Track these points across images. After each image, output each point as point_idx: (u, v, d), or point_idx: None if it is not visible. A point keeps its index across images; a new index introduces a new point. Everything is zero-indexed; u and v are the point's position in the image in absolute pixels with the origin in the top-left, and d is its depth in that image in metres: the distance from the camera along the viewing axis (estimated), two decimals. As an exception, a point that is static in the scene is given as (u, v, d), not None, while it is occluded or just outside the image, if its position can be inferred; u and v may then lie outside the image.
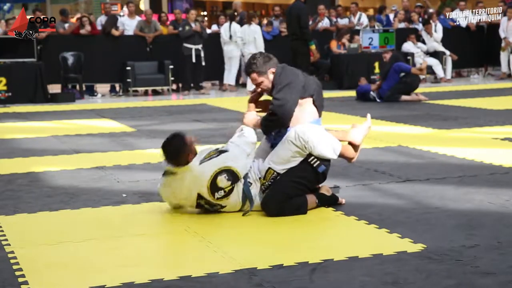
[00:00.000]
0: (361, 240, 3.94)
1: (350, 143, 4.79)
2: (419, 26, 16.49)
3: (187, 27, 14.41)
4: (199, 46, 14.48)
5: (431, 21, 15.93)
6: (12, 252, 3.83)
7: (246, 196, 4.44)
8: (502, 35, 15.75)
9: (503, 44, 15.77)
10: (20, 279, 3.38)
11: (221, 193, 4.37)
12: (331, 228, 4.30)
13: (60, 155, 7.11)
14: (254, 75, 4.60)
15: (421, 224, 4.17)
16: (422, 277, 3.24)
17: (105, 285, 3.26)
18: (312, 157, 4.42)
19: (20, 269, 3.53)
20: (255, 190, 4.47)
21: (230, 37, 14.74)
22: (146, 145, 7.54)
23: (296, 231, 4.20)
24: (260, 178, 4.47)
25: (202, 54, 14.54)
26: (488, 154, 6.32)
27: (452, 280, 3.20)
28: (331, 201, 4.67)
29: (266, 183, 4.45)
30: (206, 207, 4.45)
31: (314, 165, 4.44)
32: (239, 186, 4.43)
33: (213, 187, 4.35)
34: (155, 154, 6.88)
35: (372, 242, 3.85)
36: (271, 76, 4.59)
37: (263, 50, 12.82)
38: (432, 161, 6.16)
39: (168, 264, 3.62)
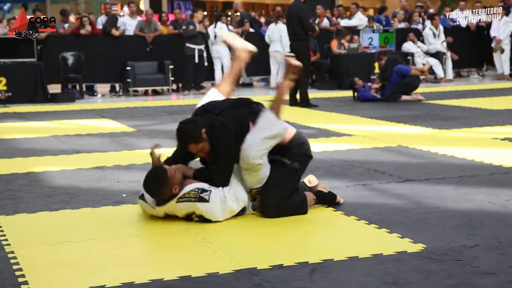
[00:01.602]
0: (361, 240, 3.94)
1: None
2: (419, 26, 16.49)
3: (191, 27, 14.38)
4: (202, 47, 14.47)
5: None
6: (12, 252, 3.83)
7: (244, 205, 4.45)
8: (492, 34, 15.76)
9: (493, 44, 15.78)
10: (20, 279, 3.38)
11: (196, 219, 4.34)
12: (331, 228, 4.30)
13: (60, 155, 7.11)
14: (192, 145, 4.37)
15: (421, 224, 4.17)
16: (422, 277, 3.24)
17: (105, 285, 3.26)
18: (284, 158, 4.40)
19: (20, 269, 3.53)
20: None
21: (215, 37, 14.74)
22: (146, 145, 7.52)
23: (296, 231, 4.21)
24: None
25: (205, 55, 14.54)
26: (488, 154, 6.32)
27: (452, 280, 3.20)
28: (329, 199, 4.67)
29: (255, 195, 4.45)
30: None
31: (288, 163, 4.41)
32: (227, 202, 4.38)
33: (188, 218, 4.35)
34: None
35: (372, 242, 3.85)
36: (205, 136, 4.35)
37: (288, 49, 12.88)
38: (432, 161, 6.16)
39: (168, 264, 3.62)
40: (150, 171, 4.41)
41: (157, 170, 4.36)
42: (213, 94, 4.82)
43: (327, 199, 4.67)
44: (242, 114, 4.45)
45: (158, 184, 4.30)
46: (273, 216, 4.38)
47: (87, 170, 6.21)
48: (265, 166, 4.36)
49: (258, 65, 14.40)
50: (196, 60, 14.33)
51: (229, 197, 4.32)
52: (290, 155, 4.45)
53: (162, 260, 3.71)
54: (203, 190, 4.29)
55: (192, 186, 4.32)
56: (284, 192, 4.40)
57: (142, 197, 4.48)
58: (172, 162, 4.57)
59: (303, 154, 4.54)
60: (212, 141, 4.34)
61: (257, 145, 4.30)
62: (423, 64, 13.74)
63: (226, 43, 5.08)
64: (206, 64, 14.55)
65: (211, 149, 4.38)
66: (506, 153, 6.45)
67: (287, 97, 4.77)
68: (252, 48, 4.99)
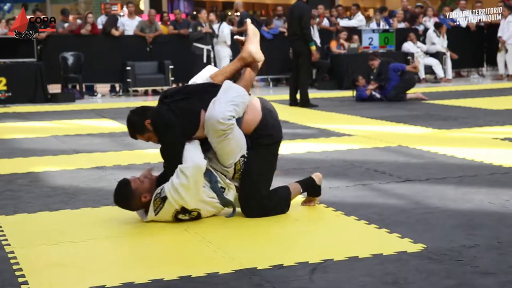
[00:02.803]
0: (361, 240, 3.94)
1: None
2: (420, 27, 16.49)
3: (199, 28, 14.34)
4: (210, 47, 14.46)
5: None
6: (12, 252, 3.83)
7: (226, 202, 4.40)
8: (499, 34, 15.76)
9: (500, 45, 15.79)
10: (20, 279, 3.38)
11: (187, 217, 4.32)
12: (331, 228, 4.30)
13: (60, 155, 7.11)
14: (139, 136, 4.44)
15: (421, 224, 4.17)
16: (422, 277, 3.24)
17: (105, 285, 3.26)
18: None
19: (20, 269, 3.53)
20: (232, 193, 4.40)
21: (217, 36, 14.73)
22: (146, 145, 7.49)
23: (296, 231, 4.21)
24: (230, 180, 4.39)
25: (212, 55, 14.51)
26: (488, 154, 6.32)
27: (452, 280, 3.20)
28: (314, 190, 4.63)
29: (239, 172, 4.38)
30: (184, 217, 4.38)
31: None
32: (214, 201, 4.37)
33: (177, 220, 4.33)
34: (155, 154, 6.88)
35: (372, 242, 3.85)
36: (150, 127, 4.36)
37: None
38: (432, 161, 6.16)
39: (168, 264, 3.62)
40: (116, 187, 4.40)
41: (121, 186, 4.36)
42: (204, 73, 4.68)
43: (312, 190, 4.64)
44: (194, 104, 4.34)
45: (124, 199, 4.33)
46: (256, 216, 4.39)
47: (87, 170, 6.21)
48: (236, 130, 4.27)
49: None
50: (205, 60, 14.28)
51: (175, 176, 4.23)
52: (257, 146, 4.38)
53: (162, 260, 3.71)
54: (159, 192, 4.26)
55: (153, 196, 4.30)
56: (266, 189, 4.40)
57: None
58: None
59: (272, 143, 4.45)
60: (158, 132, 4.34)
61: (223, 106, 4.22)
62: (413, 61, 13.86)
63: (238, 39, 4.96)
64: (212, 64, 14.53)
65: (158, 138, 4.39)
66: (506, 153, 6.45)
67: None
68: (260, 57, 4.73)
